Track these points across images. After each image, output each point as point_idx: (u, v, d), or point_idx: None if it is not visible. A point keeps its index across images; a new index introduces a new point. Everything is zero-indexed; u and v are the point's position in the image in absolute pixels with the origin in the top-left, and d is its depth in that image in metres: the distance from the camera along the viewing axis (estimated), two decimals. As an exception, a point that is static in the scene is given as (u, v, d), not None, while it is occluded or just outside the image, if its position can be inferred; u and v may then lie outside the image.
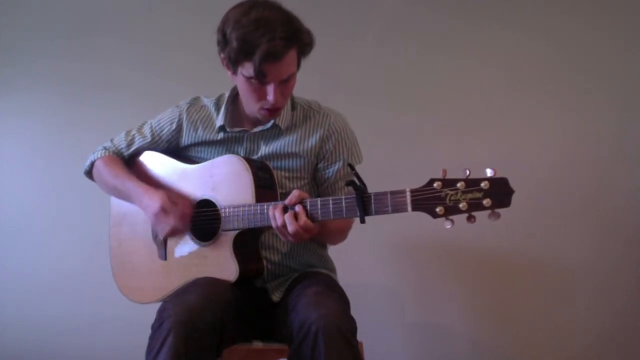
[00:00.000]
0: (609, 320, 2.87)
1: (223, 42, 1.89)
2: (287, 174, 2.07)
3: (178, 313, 1.67)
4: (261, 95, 1.92)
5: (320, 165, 2.09)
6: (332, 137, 2.06)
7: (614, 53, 2.91)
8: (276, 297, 2.06)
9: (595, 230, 2.89)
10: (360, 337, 2.10)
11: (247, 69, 1.85)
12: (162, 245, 2.06)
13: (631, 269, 2.86)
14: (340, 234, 2.16)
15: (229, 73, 1.96)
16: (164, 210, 1.93)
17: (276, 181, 1.99)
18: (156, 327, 1.69)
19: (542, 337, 2.90)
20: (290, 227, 1.76)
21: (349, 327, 1.74)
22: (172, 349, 1.62)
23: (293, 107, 2.10)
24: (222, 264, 1.92)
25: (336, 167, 2.08)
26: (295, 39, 1.86)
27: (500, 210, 1.52)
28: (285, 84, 1.91)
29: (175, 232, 1.98)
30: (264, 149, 2.06)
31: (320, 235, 1.91)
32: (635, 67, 2.90)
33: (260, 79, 1.86)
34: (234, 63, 1.89)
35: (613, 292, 2.87)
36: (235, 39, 1.82)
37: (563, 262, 2.90)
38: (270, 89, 1.89)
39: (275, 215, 1.79)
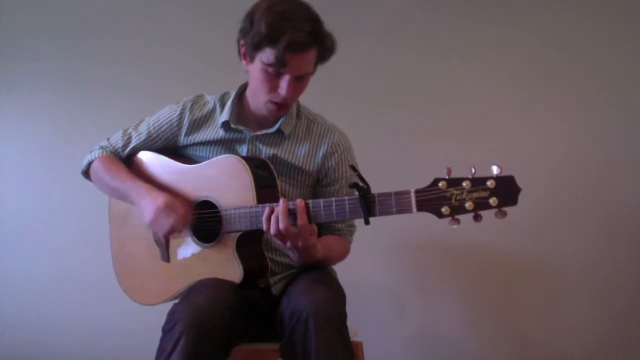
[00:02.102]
0: (611, 321, 2.87)
1: (249, 28, 1.87)
2: (287, 180, 2.07)
3: (189, 315, 1.67)
4: (273, 87, 1.90)
5: (323, 181, 2.10)
6: (335, 154, 2.07)
7: (617, 53, 2.91)
8: (276, 291, 2.07)
9: (598, 231, 2.89)
10: (360, 337, 2.12)
11: (268, 55, 1.84)
12: (164, 247, 2.05)
13: (634, 270, 2.86)
14: (341, 257, 2.16)
15: (244, 63, 1.95)
16: (161, 211, 1.91)
17: (277, 179, 1.97)
18: (167, 329, 1.69)
19: (543, 338, 2.90)
20: (282, 225, 1.77)
21: (339, 314, 1.76)
22: (184, 350, 1.62)
23: (298, 116, 2.10)
24: (226, 266, 1.91)
25: (338, 185, 2.09)
26: (319, 39, 1.87)
27: (507, 210, 1.51)
28: (299, 82, 1.91)
29: (174, 232, 1.95)
30: (265, 153, 2.05)
31: (323, 257, 1.94)
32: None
33: (278, 68, 1.85)
34: (255, 48, 1.87)
35: (615, 293, 2.87)
36: (264, 23, 1.82)
37: (565, 263, 2.90)
38: (285, 82, 1.88)
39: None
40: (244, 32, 1.90)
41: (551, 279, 2.91)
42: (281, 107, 1.95)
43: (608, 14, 2.92)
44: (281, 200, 1.79)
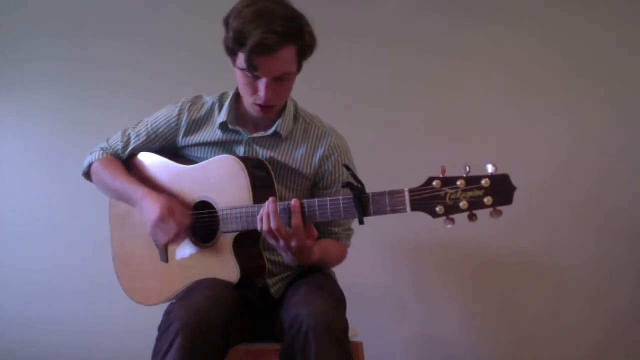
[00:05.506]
0: (611, 321, 2.86)
1: (225, 32, 1.87)
2: (283, 182, 2.07)
3: (185, 315, 1.67)
4: (254, 90, 1.90)
5: (320, 184, 2.09)
6: (332, 157, 2.06)
7: (617, 54, 2.90)
8: (276, 293, 2.07)
9: (598, 231, 2.88)
10: (360, 337, 2.11)
11: (240, 60, 1.84)
12: (163, 247, 2.05)
13: (634, 271, 2.85)
14: (338, 261, 2.16)
15: (232, 66, 1.95)
16: (161, 221, 1.91)
17: (274, 179, 1.97)
18: (163, 328, 1.68)
19: (543, 338, 2.89)
20: (274, 224, 1.76)
21: (339, 325, 1.73)
22: (180, 350, 1.62)
23: (295, 118, 2.09)
24: (223, 266, 1.92)
25: (335, 188, 2.08)
26: (294, 36, 1.83)
27: (502, 210, 1.49)
28: (279, 82, 1.89)
29: (173, 242, 1.97)
30: (262, 155, 2.05)
31: (318, 259, 1.94)
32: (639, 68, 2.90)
33: (251, 72, 1.84)
34: (230, 53, 1.88)
35: (615, 293, 2.86)
36: (232, 28, 1.82)
37: (565, 263, 2.89)
38: (262, 84, 1.87)
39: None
40: (223, 37, 1.90)
41: (551, 278, 2.90)
42: (265, 109, 1.95)
43: (608, 14, 2.91)
44: (270, 199, 1.78)
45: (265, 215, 1.78)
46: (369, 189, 1.68)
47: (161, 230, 1.93)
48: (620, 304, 2.86)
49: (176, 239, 1.95)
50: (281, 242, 1.79)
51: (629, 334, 2.85)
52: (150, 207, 1.94)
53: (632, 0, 2.90)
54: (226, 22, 1.87)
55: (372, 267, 2.98)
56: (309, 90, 2.12)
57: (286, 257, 1.89)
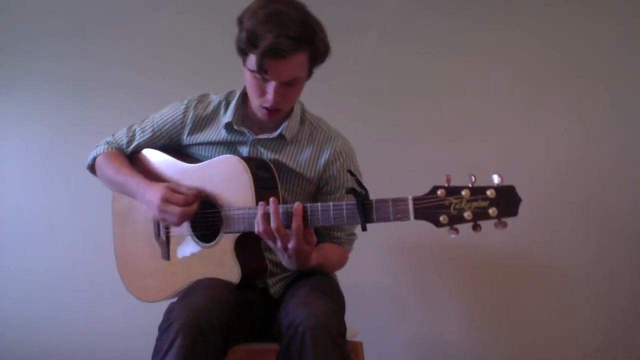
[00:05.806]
0: (611, 321, 2.87)
1: (238, 33, 1.85)
2: (286, 186, 2.06)
3: (185, 315, 1.66)
4: (262, 92, 1.89)
5: (323, 189, 2.08)
6: (337, 162, 2.05)
7: (617, 54, 2.91)
8: (275, 293, 2.07)
9: (598, 231, 2.89)
10: (360, 337, 2.11)
11: (251, 62, 1.82)
12: (165, 245, 2.05)
13: (634, 270, 2.86)
14: (338, 266, 2.15)
15: (242, 66, 1.93)
16: (166, 200, 1.90)
17: (278, 180, 1.95)
18: (164, 328, 1.68)
19: (543, 338, 2.89)
20: (274, 224, 1.76)
21: (337, 327, 1.72)
22: (180, 350, 1.61)
23: (302, 121, 2.08)
24: (225, 266, 1.91)
25: (339, 194, 2.06)
26: (307, 42, 1.82)
27: (507, 221, 1.47)
28: (288, 87, 1.88)
29: (183, 220, 1.93)
30: (266, 158, 2.04)
31: (318, 264, 1.93)
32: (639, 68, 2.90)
33: (261, 74, 1.83)
34: (241, 53, 1.86)
35: (615, 293, 2.87)
36: (245, 29, 1.80)
37: (565, 263, 2.90)
38: (271, 88, 1.86)
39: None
40: (236, 36, 1.87)
41: (551, 279, 2.91)
42: (272, 112, 1.93)
43: (608, 14, 2.91)
44: (272, 199, 1.77)
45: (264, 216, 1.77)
46: (368, 188, 1.67)
47: (168, 207, 1.90)
48: (620, 304, 2.87)
49: (185, 215, 1.91)
50: (279, 243, 1.78)
51: (629, 334, 2.86)
52: (153, 195, 1.93)
53: (632, 0, 2.90)
54: (240, 21, 1.85)
55: (373, 267, 2.98)
56: (308, 90, 2.11)
57: (284, 260, 1.88)
